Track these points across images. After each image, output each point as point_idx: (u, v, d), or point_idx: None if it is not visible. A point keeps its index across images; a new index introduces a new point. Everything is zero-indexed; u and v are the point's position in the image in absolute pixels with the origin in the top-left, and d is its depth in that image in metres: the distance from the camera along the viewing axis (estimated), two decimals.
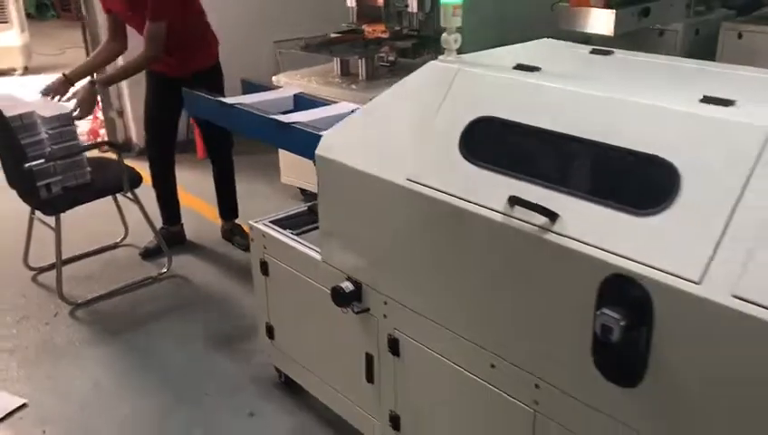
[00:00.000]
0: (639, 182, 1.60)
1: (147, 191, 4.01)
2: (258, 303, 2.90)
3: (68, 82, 3.73)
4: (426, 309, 2.08)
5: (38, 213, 3.73)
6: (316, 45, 4.37)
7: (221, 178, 4.17)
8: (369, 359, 2.37)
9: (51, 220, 3.56)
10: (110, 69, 4.20)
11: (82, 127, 6.23)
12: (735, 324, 1.38)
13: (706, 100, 1.61)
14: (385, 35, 4.52)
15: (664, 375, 1.54)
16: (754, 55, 6.04)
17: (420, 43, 4.52)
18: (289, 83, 4.33)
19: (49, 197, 3.48)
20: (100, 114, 5.97)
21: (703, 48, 6.37)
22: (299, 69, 4.66)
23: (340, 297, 2.30)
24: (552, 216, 1.66)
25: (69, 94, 3.66)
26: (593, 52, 2.20)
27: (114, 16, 3.81)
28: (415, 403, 2.27)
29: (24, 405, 2.91)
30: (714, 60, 6.27)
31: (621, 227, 1.56)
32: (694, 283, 1.43)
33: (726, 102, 1.59)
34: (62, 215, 3.54)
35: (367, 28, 4.67)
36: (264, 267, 2.76)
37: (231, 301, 3.64)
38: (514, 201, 1.73)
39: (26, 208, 3.74)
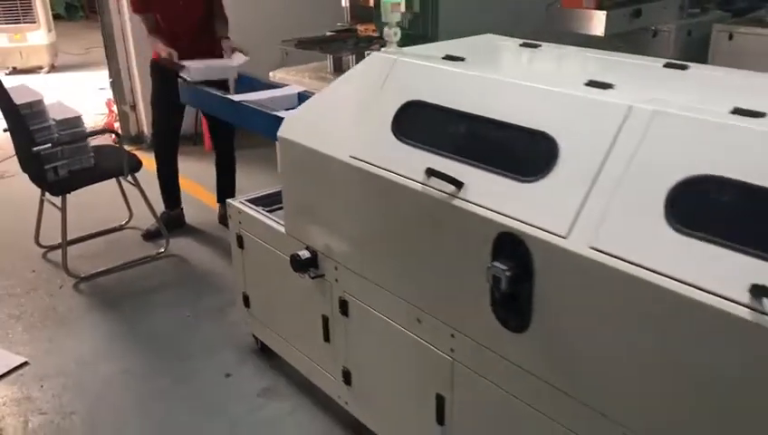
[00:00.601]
0: (526, 154, 1.85)
1: (152, 178, 4.34)
2: (236, 274, 3.19)
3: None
4: (368, 273, 2.35)
5: (48, 195, 4.05)
6: (309, 43, 4.65)
7: (221, 165, 4.48)
8: (325, 320, 2.64)
9: (59, 201, 3.89)
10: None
11: (99, 120, 6.65)
12: (594, 273, 1.62)
13: (591, 84, 1.86)
14: (375, 34, 4.79)
15: (547, 321, 1.79)
16: (745, 56, 6.20)
17: (409, 42, 4.77)
18: (285, 78, 4.61)
19: (56, 179, 3.82)
20: (114, 108, 6.34)
21: (695, 49, 6.53)
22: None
23: (297, 264, 2.57)
24: (458, 184, 1.91)
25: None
26: (522, 45, 2.45)
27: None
28: (361, 359, 2.54)
29: (25, 363, 3.23)
30: (706, 61, 6.46)
31: (510, 192, 1.82)
32: (562, 237, 1.68)
33: (605, 85, 1.83)
34: (73, 199, 3.88)
35: (360, 27, 4.95)
36: (240, 241, 3.05)
37: (221, 278, 3.93)
38: (430, 172, 1.99)
39: (38, 192, 4.08)
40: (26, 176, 3.98)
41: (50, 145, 3.68)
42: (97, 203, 4.55)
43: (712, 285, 1.41)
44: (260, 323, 3.15)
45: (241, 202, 3.04)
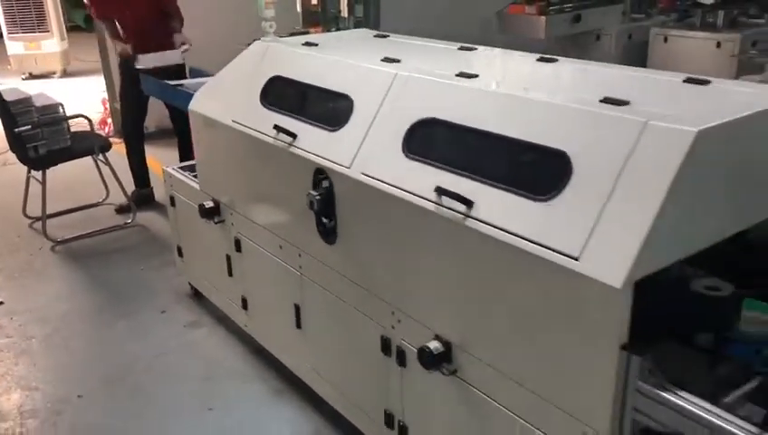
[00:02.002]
0: (332, 111, 2.48)
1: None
2: (171, 229, 3.85)
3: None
4: (251, 214, 2.99)
5: (33, 172, 4.76)
6: None
7: (182, 146, 5.14)
8: (228, 258, 3.28)
9: (40, 176, 4.60)
10: None
11: (94, 117, 7.37)
12: (365, 191, 2.23)
13: (385, 59, 2.48)
14: None
15: (346, 233, 2.40)
16: (677, 56, 6.72)
17: None
18: None
19: (36, 156, 4.52)
20: (108, 105, 7.08)
21: (636, 51, 7.07)
22: None
23: (203, 212, 3.22)
24: (293, 135, 2.55)
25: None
26: (376, 36, 3.09)
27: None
28: (252, 286, 3.17)
29: (0, 302, 3.92)
30: (645, 63, 7.00)
31: (322, 140, 2.45)
32: (347, 167, 2.30)
33: (393, 60, 2.46)
34: (59, 180, 4.60)
35: (312, 30, 5.61)
36: (172, 200, 3.71)
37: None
38: (277, 129, 2.62)
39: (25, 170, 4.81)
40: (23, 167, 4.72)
41: (30, 127, 4.38)
42: (80, 184, 5.26)
43: (422, 191, 2.02)
44: (191, 270, 3.80)
45: (173, 169, 3.70)
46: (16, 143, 4.54)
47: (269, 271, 2.95)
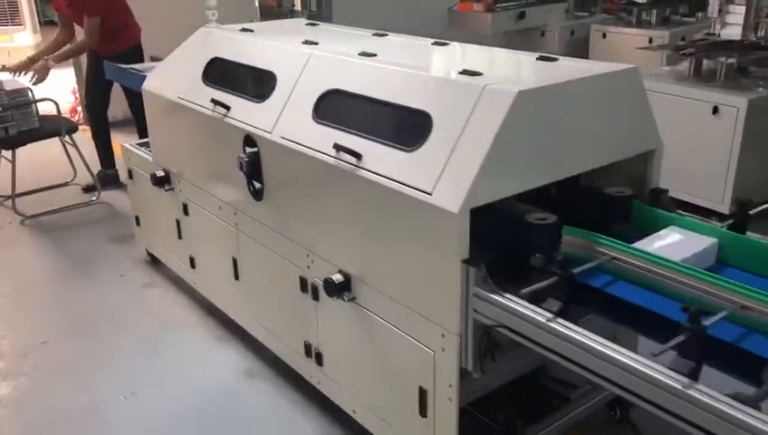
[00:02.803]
0: (259, 85, 2.90)
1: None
2: (130, 201, 4.25)
3: (30, 61, 5.13)
4: (195, 181, 3.39)
5: (3, 152, 5.12)
6: None
7: (139, 128, 5.48)
8: (177, 222, 3.68)
9: (9, 155, 4.96)
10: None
11: (65, 106, 7.70)
12: (283, 152, 2.65)
13: (306, 42, 2.90)
14: None
15: (270, 189, 2.82)
16: (614, 51, 7.18)
17: None
18: None
19: (6, 136, 4.88)
20: (77, 94, 7.42)
21: (578, 46, 7.54)
22: None
23: (154, 180, 3.62)
24: (227, 107, 2.96)
25: (30, 69, 5.03)
26: (307, 24, 3.51)
27: (61, 14, 5.22)
28: (197, 246, 3.58)
29: None
30: (587, 57, 7.47)
31: (254, 112, 2.86)
32: (268, 132, 2.72)
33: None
34: (30, 162, 4.94)
35: None
36: (130, 174, 4.10)
37: None
38: (214, 102, 3.03)
39: None
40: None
41: (0, 108, 4.75)
42: (49, 166, 5.62)
43: (326, 149, 2.45)
44: (147, 237, 4.20)
45: (131, 145, 4.09)
46: None
47: (211, 230, 3.36)
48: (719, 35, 4.81)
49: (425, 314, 2.18)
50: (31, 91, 5.04)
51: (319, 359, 2.80)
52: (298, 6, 5.77)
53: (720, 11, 4.70)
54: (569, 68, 2.33)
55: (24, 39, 10.59)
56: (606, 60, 6.15)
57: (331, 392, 2.80)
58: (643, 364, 1.61)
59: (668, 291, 1.84)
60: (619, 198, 2.30)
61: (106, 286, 4.06)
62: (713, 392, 1.51)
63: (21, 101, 4.90)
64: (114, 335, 3.56)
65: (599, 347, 1.69)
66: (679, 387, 1.54)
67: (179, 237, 3.71)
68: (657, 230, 2.19)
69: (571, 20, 7.77)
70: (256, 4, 6.12)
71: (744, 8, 4.52)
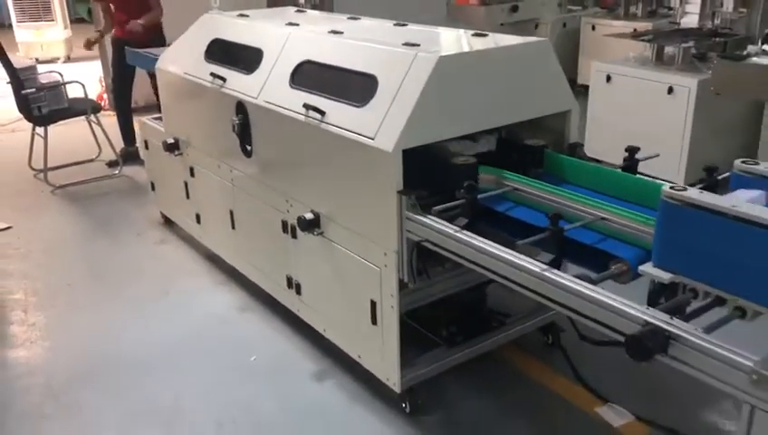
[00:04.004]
0: (246, 60, 3.44)
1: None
2: (146, 169, 4.83)
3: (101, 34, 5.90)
4: (199, 145, 3.95)
5: (37, 130, 5.74)
6: None
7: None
8: (186, 184, 4.25)
9: (42, 132, 5.58)
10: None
11: (92, 93, 8.34)
12: (268, 114, 3.19)
13: (290, 24, 3.45)
14: None
15: (258, 147, 3.37)
16: (603, 42, 7.61)
17: None
18: None
19: (40, 115, 5.50)
20: (103, 83, 8.05)
21: (569, 38, 8.00)
22: None
23: (166, 147, 4.19)
24: (223, 79, 3.51)
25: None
26: (296, 11, 4.05)
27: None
28: (202, 203, 4.14)
29: (9, 227, 4.90)
30: (578, 47, 7.91)
31: (243, 82, 3.41)
32: (254, 97, 3.26)
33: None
34: (60, 141, 5.55)
35: None
36: (146, 144, 4.69)
37: None
38: (213, 76, 3.58)
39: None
40: (29, 132, 5.73)
41: (34, 90, 5.37)
42: (77, 145, 6.25)
43: (298, 109, 2.98)
44: (161, 202, 4.78)
45: (147, 119, 4.67)
46: (23, 104, 5.51)
47: (212, 188, 3.92)
48: (680, 24, 5.25)
49: (373, 239, 2.71)
50: (61, 75, 5.67)
51: (298, 289, 3.34)
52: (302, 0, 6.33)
53: (681, 2, 5.13)
54: (492, 41, 2.84)
55: (56, 34, 11.31)
56: (594, 50, 6.83)
57: (308, 317, 3.34)
58: (515, 256, 2.12)
59: (550, 209, 2.34)
60: (534, 147, 2.80)
61: (124, 243, 4.64)
62: (563, 274, 2.02)
63: (53, 83, 5.52)
64: (129, 280, 4.13)
65: (488, 247, 2.21)
66: (538, 271, 2.05)
67: (187, 197, 4.27)
68: (566, 175, 2.69)
69: (564, 13, 8.23)
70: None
71: None
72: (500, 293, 3.23)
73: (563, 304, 2.02)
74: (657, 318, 1.78)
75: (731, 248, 1.78)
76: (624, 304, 1.85)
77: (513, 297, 3.16)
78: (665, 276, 1.92)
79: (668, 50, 5.16)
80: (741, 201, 1.84)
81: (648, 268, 1.97)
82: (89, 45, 6.08)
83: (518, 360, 3.22)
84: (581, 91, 6.32)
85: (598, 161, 2.87)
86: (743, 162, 2.18)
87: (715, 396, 2.55)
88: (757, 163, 2.17)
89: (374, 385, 2.99)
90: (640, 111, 5.07)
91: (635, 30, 7.31)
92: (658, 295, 2.02)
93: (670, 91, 4.84)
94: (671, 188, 1.90)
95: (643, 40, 5.12)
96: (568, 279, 2.00)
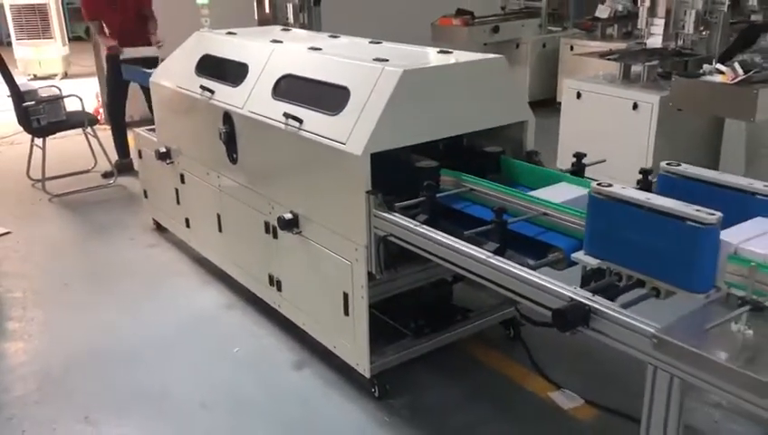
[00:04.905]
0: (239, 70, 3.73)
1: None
2: (140, 176, 5.10)
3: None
4: (189, 153, 4.23)
5: (36, 141, 6.01)
6: None
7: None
8: (176, 190, 4.52)
9: (41, 143, 5.85)
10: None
11: (89, 108, 8.62)
12: (251, 122, 3.47)
13: (274, 41, 3.74)
14: None
15: (243, 155, 3.64)
16: (580, 61, 7.91)
17: None
18: None
19: (39, 126, 5.78)
20: (100, 98, 8.35)
21: (549, 57, 8.33)
22: None
23: (158, 155, 4.46)
24: (211, 91, 3.80)
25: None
26: (282, 29, 4.35)
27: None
28: (192, 209, 4.41)
29: (8, 232, 5.16)
30: (557, 67, 8.23)
31: (229, 92, 3.70)
32: (240, 108, 3.55)
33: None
34: (58, 152, 5.82)
35: None
36: (140, 153, 4.96)
37: None
38: (203, 88, 3.87)
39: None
40: (28, 144, 6.01)
41: (34, 102, 5.65)
42: (73, 157, 6.52)
43: (279, 118, 3.26)
44: (153, 208, 5.04)
45: (140, 130, 4.95)
46: (23, 116, 5.79)
47: (201, 194, 4.19)
48: (646, 44, 5.56)
49: (345, 235, 2.98)
50: (59, 89, 5.96)
51: (279, 286, 3.60)
52: (291, 19, 6.62)
53: (647, 23, 5.46)
54: (454, 57, 3.14)
55: (54, 51, 11.61)
56: (572, 69, 7.08)
57: (288, 312, 3.60)
58: (464, 245, 2.40)
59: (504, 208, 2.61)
60: (491, 153, 3.09)
61: (117, 247, 4.90)
62: (505, 260, 2.30)
63: (51, 97, 5.80)
64: (122, 280, 4.39)
65: (442, 239, 2.48)
66: (484, 257, 2.32)
67: (178, 203, 4.54)
68: (520, 178, 2.98)
69: (544, 34, 8.57)
70: (255, 17, 6.99)
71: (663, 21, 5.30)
72: (465, 291, 3.52)
73: (505, 287, 2.29)
74: (581, 295, 2.05)
75: (647, 236, 2.05)
76: (554, 285, 2.13)
77: (477, 295, 3.47)
78: (593, 262, 2.20)
79: (635, 68, 5.48)
80: (658, 197, 2.13)
81: (579, 255, 2.24)
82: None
83: (480, 351, 3.48)
84: (560, 109, 6.62)
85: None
86: (668, 164, 2.47)
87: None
88: (679, 165, 2.46)
89: (348, 374, 3.24)
90: (608, 125, 5.37)
91: (610, 50, 7.69)
92: (590, 279, 2.30)
93: (635, 106, 5.15)
94: (598, 184, 2.18)
95: (609, 59, 5.44)
96: (509, 265, 2.28)
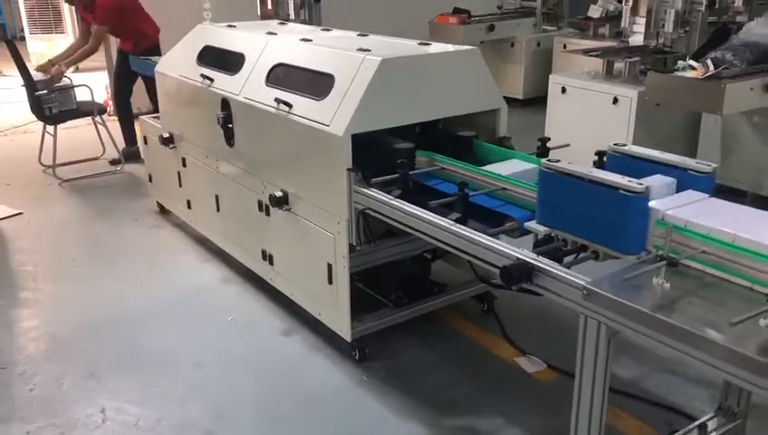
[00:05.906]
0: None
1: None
2: (145, 162, 5.40)
3: (50, 63, 6.31)
4: (191, 138, 4.52)
5: (47, 128, 6.32)
6: None
7: (154, 107, 6.64)
8: (179, 173, 4.81)
9: (52, 131, 6.16)
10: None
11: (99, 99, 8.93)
12: (247, 109, 3.76)
13: (270, 33, 4.03)
14: None
15: (239, 138, 3.93)
16: (572, 59, 8.15)
17: None
18: None
19: (50, 114, 6.09)
20: (109, 91, 8.66)
21: (543, 56, 8.58)
22: None
23: (162, 140, 4.76)
24: (211, 79, 4.09)
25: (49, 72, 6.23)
26: (279, 23, 4.64)
27: (84, 22, 6.45)
28: (193, 190, 4.70)
29: (20, 213, 5.47)
30: (551, 64, 8.47)
31: (227, 80, 3.99)
32: (236, 95, 3.83)
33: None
34: (69, 140, 6.13)
35: None
36: (145, 139, 5.26)
37: None
38: (203, 77, 4.16)
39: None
40: (40, 133, 6.33)
41: (46, 91, 5.96)
42: (83, 145, 6.83)
43: (271, 103, 3.54)
44: (157, 191, 5.34)
45: (145, 117, 5.25)
46: (36, 105, 6.10)
47: (201, 176, 4.48)
48: (629, 42, 5.82)
49: (328, 210, 3.26)
50: (70, 80, 6.27)
51: (271, 260, 3.88)
52: (292, 15, 6.90)
53: (629, 22, 5.71)
54: (432, 48, 3.41)
55: (66, 45, 11.91)
56: (564, 67, 7.29)
57: (279, 284, 3.88)
58: (430, 215, 2.67)
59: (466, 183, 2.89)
60: (464, 137, 3.36)
61: (122, 227, 5.20)
62: (464, 228, 2.57)
63: (63, 86, 6.11)
64: (126, 257, 4.69)
65: (411, 210, 2.76)
66: (447, 225, 2.60)
67: (180, 186, 4.83)
68: (491, 160, 3.25)
69: (539, 33, 8.83)
70: (258, 13, 7.28)
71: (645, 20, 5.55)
72: (443, 268, 3.80)
73: (465, 251, 2.57)
74: (525, 255, 2.33)
75: (587, 205, 2.33)
76: (504, 247, 2.40)
77: (454, 273, 3.74)
78: (542, 229, 2.48)
79: (617, 65, 5.74)
80: (599, 171, 2.40)
81: (531, 224, 2.53)
82: (42, 69, 6.25)
83: (455, 321, 3.75)
84: None
85: None
86: (615, 144, 2.74)
87: (617, 348, 3.09)
88: (625, 145, 2.73)
89: (332, 341, 3.52)
90: (591, 118, 5.63)
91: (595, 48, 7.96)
92: (540, 245, 2.57)
93: (615, 101, 5.41)
94: (548, 160, 2.45)
95: (592, 56, 5.70)
96: (468, 231, 2.55)
